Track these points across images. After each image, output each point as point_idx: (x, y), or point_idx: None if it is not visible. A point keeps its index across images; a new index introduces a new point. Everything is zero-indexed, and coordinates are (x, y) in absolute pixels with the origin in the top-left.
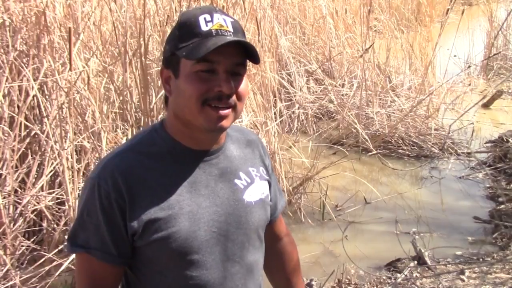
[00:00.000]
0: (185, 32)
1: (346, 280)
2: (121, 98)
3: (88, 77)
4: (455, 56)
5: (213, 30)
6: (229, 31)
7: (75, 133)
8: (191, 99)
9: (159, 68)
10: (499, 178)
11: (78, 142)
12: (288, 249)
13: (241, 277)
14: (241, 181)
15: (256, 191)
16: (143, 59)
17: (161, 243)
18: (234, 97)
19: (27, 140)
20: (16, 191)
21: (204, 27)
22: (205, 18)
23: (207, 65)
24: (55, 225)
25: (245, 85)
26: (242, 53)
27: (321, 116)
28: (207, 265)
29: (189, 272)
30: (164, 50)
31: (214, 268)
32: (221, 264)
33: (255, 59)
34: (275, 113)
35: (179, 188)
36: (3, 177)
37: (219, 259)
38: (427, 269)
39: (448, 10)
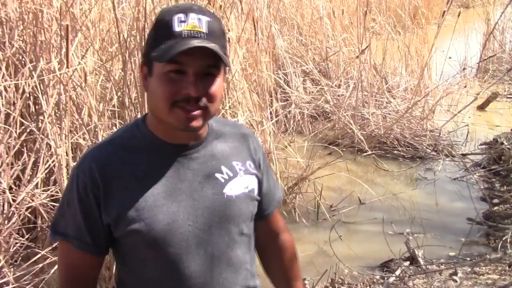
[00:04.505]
0: (159, 32)
1: (339, 280)
2: (118, 94)
3: (85, 74)
4: (450, 58)
5: (184, 32)
6: (202, 32)
7: (71, 131)
8: (160, 99)
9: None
10: (493, 180)
11: (74, 139)
12: (285, 245)
13: (221, 271)
14: (222, 175)
15: (238, 185)
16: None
17: (135, 235)
18: (204, 99)
19: (23, 137)
20: (10, 188)
21: (176, 28)
22: (179, 18)
23: (176, 66)
24: (49, 223)
25: (217, 86)
26: (214, 54)
27: (317, 116)
28: (183, 258)
29: (167, 265)
30: (144, 46)
31: (191, 262)
32: (199, 258)
33: (225, 63)
34: (271, 113)
35: (154, 182)
36: None
37: (197, 253)
38: (420, 269)
39: (444, 12)
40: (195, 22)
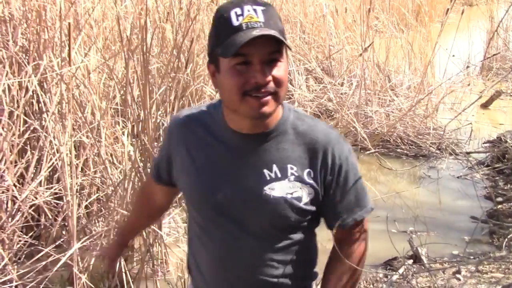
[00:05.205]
0: (219, 29)
1: None
2: (121, 92)
3: (88, 72)
4: (454, 56)
5: (243, 24)
6: (260, 22)
7: (74, 129)
8: (232, 92)
9: (159, 65)
10: (497, 178)
11: (77, 137)
12: (336, 271)
13: (236, 257)
14: (270, 173)
15: (281, 188)
16: (145, 55)
17: (183, 190)
18: (272, 84)
19: (26, 135)
20: (14, 185)
21: (235, 22)
22: (236, 12)
23: (242, 58)
24: (53, 220)
25: (283, 71)
26: (276, 40)
27: (320, 114)
28: (209, 229)
29: (199, 229)
30: (207, 46)
31: (213, 236)
32: (220, 235)
33: (287, 46)
34: None
35: (208, 157)
36: (1, 171)
37: (218, 229)
38: (423, 268)
39: (448, 10)
40: (252, 14)
